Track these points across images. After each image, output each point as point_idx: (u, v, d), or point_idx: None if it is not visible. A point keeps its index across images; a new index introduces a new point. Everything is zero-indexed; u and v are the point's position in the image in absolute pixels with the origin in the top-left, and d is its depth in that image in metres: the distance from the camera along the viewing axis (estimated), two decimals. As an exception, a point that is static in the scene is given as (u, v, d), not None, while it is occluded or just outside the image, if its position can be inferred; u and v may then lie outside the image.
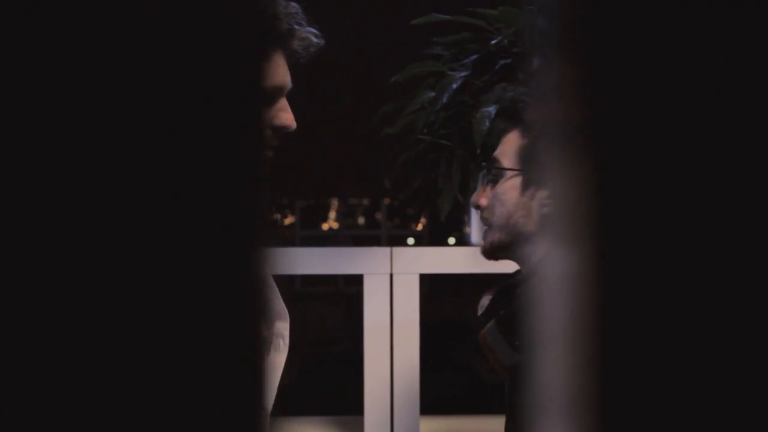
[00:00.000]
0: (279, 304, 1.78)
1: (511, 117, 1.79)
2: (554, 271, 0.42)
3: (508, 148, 1.78)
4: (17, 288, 0.40)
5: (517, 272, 1.83)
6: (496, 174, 1.78)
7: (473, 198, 1.83)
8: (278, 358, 1.77)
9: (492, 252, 1.82)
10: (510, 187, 1.76)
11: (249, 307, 0.40)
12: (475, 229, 2.87)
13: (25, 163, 0.40)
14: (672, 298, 0.41)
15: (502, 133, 1.84)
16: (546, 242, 0.43)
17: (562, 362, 0.41)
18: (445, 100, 2.69)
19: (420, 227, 12.90)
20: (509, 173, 1.76)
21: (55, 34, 0.40)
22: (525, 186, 1.74)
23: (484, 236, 1.82)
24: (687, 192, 0.42)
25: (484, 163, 1.83)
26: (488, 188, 1.80)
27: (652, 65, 0.42)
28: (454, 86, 2.69)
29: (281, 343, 1.74)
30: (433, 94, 2.75)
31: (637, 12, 0.42)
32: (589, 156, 0.41)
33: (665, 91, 0.42)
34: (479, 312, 1.84)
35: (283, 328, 1.74)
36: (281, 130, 1.69)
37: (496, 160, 1.78)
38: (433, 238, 11.64)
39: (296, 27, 1.69)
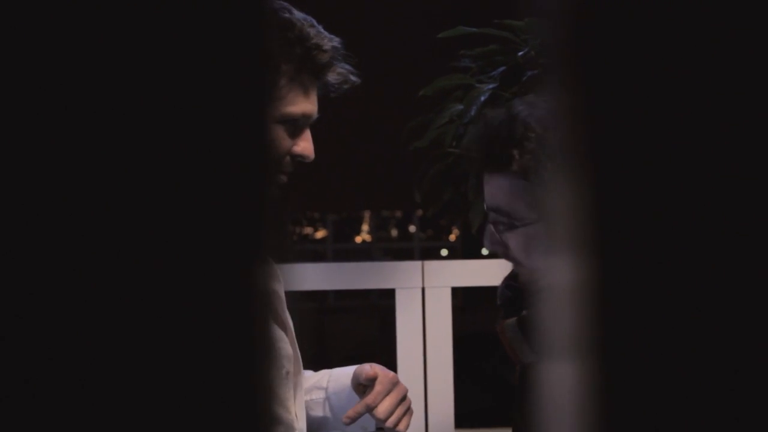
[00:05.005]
0: (282, 318, 1.77)
1: (497, 154, 1.72)
2: (557, 281, 0.42)
3: (509, 198, 1.73)
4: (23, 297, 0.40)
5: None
6: (506, 225, 1.73)
7: (486, 245, 1.79)
8: (297, 379, 1.77)
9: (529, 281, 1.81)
10: (536, 235, 1.72)
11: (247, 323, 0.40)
12: (506, 241, 2.87)
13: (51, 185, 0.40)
14: (672, 307, 0.41)
15: (480, 168, 1.77)
16: (550, 254, 0.44)
17: (567, 369, 0.41)
18: (473, 112, 2.69)
19: (453, 238, 12.88)
20: (530, 220, 1.71)
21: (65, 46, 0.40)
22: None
23: (521, 271, 1.78)
24: (686, 202, 0.42)
25: (493, 218, 1.76)
26: (496, 231, 1.76)
27: (645, 80, 0.42)
28: (482, 99, 2.69)
29: (284, 363, 1.73)
30: (461, 106, 2.75)
31: (633, 30, 0.42)
32: (588, 170, 0.41)
33: (662, 105, 0.42)
34: (498, 300, 1.83)
35: (282, 343, 1.73)
36: (298, 158, 1.70)
37: (502, 211, 1.73)
38: (466, 249, 11.61)
39: (335, 62, 1.70)
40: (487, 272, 2.74)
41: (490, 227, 1.77)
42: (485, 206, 1.77)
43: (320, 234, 13.28)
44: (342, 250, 12.94)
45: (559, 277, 0.42)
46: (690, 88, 0.43)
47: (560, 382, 0.42)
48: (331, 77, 1.70)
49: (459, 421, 2.89)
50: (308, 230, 13.38)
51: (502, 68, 2.77)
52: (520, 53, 2.74)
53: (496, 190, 1.75)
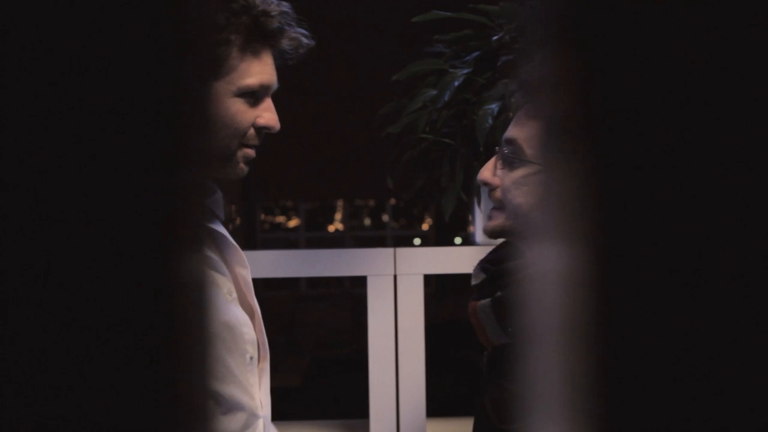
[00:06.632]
0: (248, 304, 1.74)
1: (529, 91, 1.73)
2: (550, 267, 0.40)
3: (531, 133, 1.72)
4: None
5: (514, 254, 1.79)
6: (513, 157, 1.72)
7: (481, 173, 1.77)
8: (263, 365, 1.74)
9: (497, 233, 1.80)
10: (535, 180, 1.70)
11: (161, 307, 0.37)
12: (479, 229, 2.84)
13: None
14: (668, 296, 0.40)
15: (516, 107, 1.78)
16: (543, 238, 0.41)
17: (556, 356, 0.39)
18: (447, 98, 2.66)
19: (426, 227, 12.89)
20: (534, 161, 1.70)
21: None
22: None
23: (491, 216, 1.78)
24: (685, 189, 0.40)
25: (504, 149, 1.75)
26: (498, 164, 1.75)
27: (648, 61, 0.40)
28: (456, 84, 2.66)
29: (248, 348, 1.70)
30: (434, 92, 2.72)
31: (630, 8, 0.40)
32: (586, 153, 0.39)
33: (663, 87, 0.40)
34: (473, 280, 1.82)
35: (247, 328, 1.70)
36: (264, 130, 1.67)
37: (516, 144, 1.72)
38: (439, 238, 11.63)
39: (286, 27, 1.67)
40: (459, 260, 2.71)
41: (493, 159, 1.76)
42: (503, 138, 1.76)
43: (293, 223, 13.26)
44: (315, 239, 12.92)
45: (553, 265, 0.40)
46: (684, 83, 0.41)
47: (543, 366, 0.40)
48: (284, 43, 1.67)
49: (431, 411, 2.87)
50: (281, 219, 13.35)
51: (476, 53, 2.74)
52: (495, 38, 2.71)
53: (520, 124, 1.75)
